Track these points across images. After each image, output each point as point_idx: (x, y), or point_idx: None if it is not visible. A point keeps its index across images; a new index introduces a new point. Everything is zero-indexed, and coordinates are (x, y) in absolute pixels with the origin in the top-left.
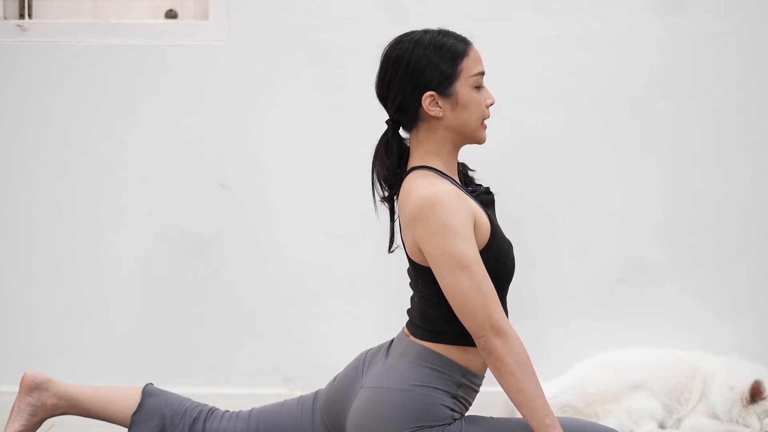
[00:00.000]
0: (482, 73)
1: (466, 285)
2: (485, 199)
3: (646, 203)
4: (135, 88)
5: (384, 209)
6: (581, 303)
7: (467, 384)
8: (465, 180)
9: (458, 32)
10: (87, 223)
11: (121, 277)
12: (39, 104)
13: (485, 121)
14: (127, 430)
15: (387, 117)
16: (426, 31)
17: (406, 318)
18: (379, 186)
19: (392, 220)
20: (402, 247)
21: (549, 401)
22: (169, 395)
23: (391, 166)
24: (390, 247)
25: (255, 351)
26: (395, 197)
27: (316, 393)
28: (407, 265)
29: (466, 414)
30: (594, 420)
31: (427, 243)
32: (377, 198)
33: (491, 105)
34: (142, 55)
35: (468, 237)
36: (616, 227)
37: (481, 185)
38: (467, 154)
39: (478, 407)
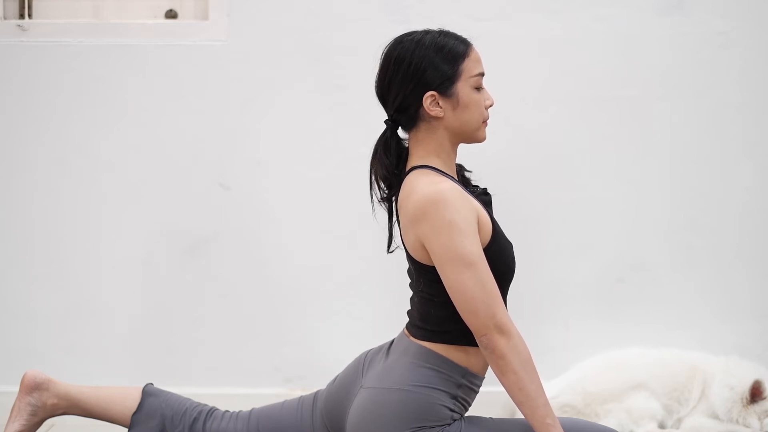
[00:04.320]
0: (482, 74)
1: (471, 283)
2: (484, 199)
3: (646, 203)
4: (135, 88)
5: (381, 209)
6: (581, 303)
7: (467, 385)
8: (462, 181)
9: (458, 33)
10: (87, 223)
11: (121, 277)
12: (39, 104)
13: (485, 121)
14: (127, 430)
15: (386, 117)
16: (427, 32)
17: (407, 318)
18: (377, 186)
19: (390, 221)
20: (402, 247)
21: (549, 401)
22: (169, 395)
23: (390, 165)
24: (389, 247)
25: (255, 351)
26: (394, 197)
27: (316, 393)
28: (407, 265)
29: (466, 414)
30: (594, 420)
31: (431, 240)
32: (375, 198)
33: (491, 106)
34: (142, 55)
35: (472, 235)
36: (616, 227)
37: (478, 186)
38: (467, 153)
39: (478, 407)
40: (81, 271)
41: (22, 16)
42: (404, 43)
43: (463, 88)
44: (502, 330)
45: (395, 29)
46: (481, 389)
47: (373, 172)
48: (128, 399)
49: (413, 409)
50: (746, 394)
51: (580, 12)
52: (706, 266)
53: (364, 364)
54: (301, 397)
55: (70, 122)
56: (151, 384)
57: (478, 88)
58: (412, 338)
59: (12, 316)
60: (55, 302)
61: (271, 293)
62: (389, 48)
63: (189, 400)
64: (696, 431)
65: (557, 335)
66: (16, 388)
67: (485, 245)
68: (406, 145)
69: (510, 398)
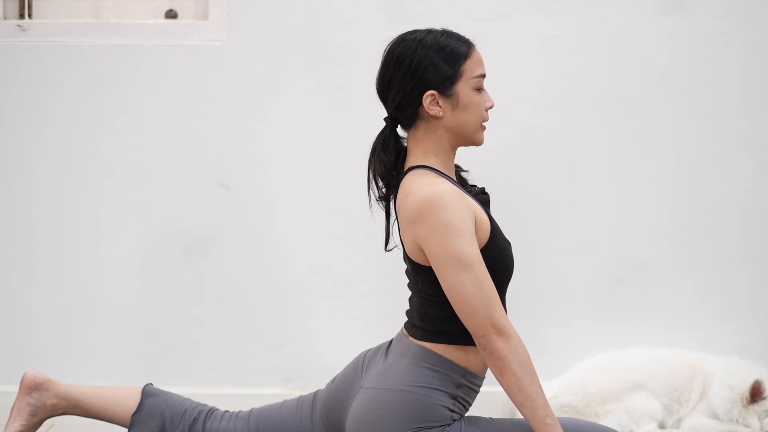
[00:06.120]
0: (483, 76)
1: (469, 284)
2: (481, 199)
3: (647, 203)
4: (135, 88)
5: (379, 208)
6: (581, 303)
7: (467, 384)
8: (460, 181)
9: (462, 33)
10: (87, 223)
11: (121, 277)
12: (39, 104)
13: (484, 124)
14: (127, 430)
15: (386, 115)
16: (430, 31)
17: (406, 318)
18: (375, 184)
19: (388, 219)
20: (400, 247)
21: (549, 401)
22: (169, 395)
23: (388, 163)
24: (386, 245)
25: (255, 351)
26: (392, 196)
27: (316, 393)
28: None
29: (466, 415)
30: (594, 420)
31: (428, 242)
32: (373, 197)
33: (490, 108)
34: (142, 55)
35: (470, 236)
36: (617, 227)
37: (475, 186)
38: (468, 153)
39: (478, 407)
40: (81, 271)
41: (22, 16)
42: (407, 41)
43: (463, 88)
44: (501, 331)
45: (395, 29)
46: (481, 389)
47: (371, 169)
48: (128, 399)
49: (413, 409)
50: (746, 394)
51: (580, 12)
52: (707, 266)
53: (363, 364)
54: (301, 397)
55: (70, 122)
56: (151, 384)
57: (479, 90)
58: (411, 338)
59: (12, 316)
60: (55, 302)
61: (271, 293)
62: (391, 46)
63: (189, 400)
64: (696, 431)
65: (557, 335)
66: (16, 388)
67: (484, 245)
68: (405, 144)
69: (510, 398)
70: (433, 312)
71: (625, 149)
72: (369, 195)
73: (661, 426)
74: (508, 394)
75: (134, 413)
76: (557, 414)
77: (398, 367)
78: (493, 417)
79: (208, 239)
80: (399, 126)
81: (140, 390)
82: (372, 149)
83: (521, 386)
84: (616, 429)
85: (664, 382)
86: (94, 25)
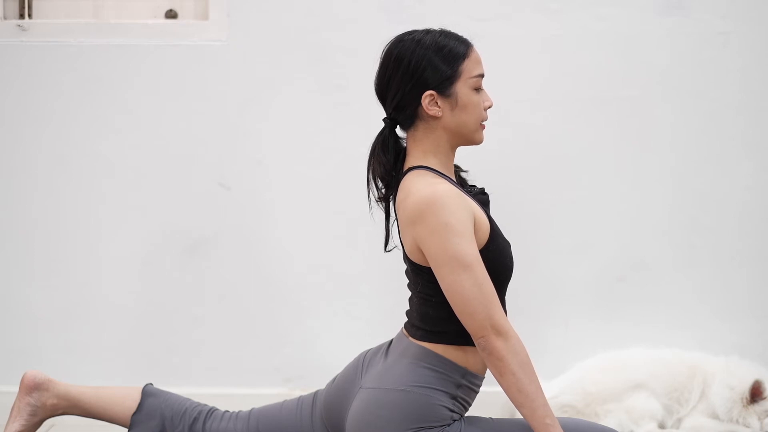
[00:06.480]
0: (482, 75)
1: (468, 285)
2: (481, 199)
3: (647, 203)
4: (135, 88)
5: (379, 209)
6: (581, 302)
7: (467, 385)
8: (459, 181)
9: (460, 33)
10: (87, 223)
11: (121, 277)
12: (39, 104)
13: (483, 123)
14: (127, 430)
15: (385, 115)
16: (428, 31)
17: (406, 318)
18: (374, 185)
19: (387, 220)
20: (400, 247)
21: (549, 401)
22: (169, 395)
23: (387, 163)
24: (386, 246)
25: (255, 351)
26: (391, 197)
27: (316, 393)
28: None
29: (466, 415)
30: (594, 420)
31: (427, 243)
32: (372, 197)
33: (489, 107)
34: (142, 55)
35: (469, 237)
36: (617, 226)
37: (475, 186)
38: (468, 153)
39: (478, 407)
40: (81, 271)
41: (22, 16)
42: (405, 42)
43: (462, 88)
44: (500, 332)
45: (395, 29)
46: (481, 389)
47: (370, 170)
48: (128, 399)
49: (412, 409)
50: (746, 394)
51: (580, 12)
52: (707, 266)
53: (363, 364)
54: (301, 397)
55: (70, 122)
56: (151, 384)
57: (478, 89)
58: (411, 338)
59: (12, 316)
60: (55, 302)
61: (271, 293)
62: (390, 46)
63: (189, 400)
64: (696, 431)
65: (557, 335)
66: (16, 388)
67: (483, 245)
68: (404, 145)
69: (509, 399)
70: (432, 312)
71: (625, 149)
72: (369, 195)
73: (661, 426)
74: (507, 395)
75: (134, 413)
76: (557, 414)
77: (398, 367)
78: (493, 417)
79: (208, 239)
80: (398, 126)
81: (140, 390)
82: (371, 150)
83: (521, 387)
84: (616, 429)
85: (664, 382)
86: (94, 25)
